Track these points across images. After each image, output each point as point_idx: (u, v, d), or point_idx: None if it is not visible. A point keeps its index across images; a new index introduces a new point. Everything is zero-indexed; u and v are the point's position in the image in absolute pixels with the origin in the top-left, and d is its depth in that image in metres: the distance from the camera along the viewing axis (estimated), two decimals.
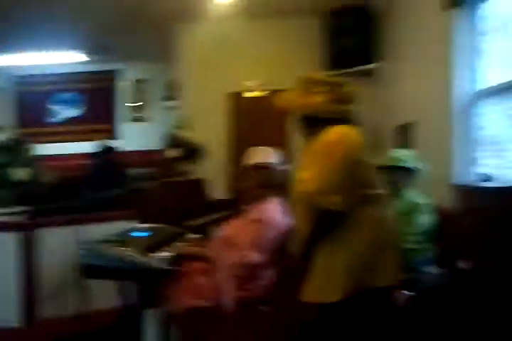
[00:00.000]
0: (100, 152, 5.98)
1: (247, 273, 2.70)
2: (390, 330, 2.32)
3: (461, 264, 2.88)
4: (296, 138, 6.15)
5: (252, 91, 6.87)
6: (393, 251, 2.25)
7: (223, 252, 2.75)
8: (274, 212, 2.83)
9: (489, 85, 3.47)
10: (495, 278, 2.48)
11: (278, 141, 6.27)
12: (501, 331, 2.38)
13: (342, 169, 2.12)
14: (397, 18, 5.29)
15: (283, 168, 2.96)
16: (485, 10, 3.56)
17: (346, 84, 2.33)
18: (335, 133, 2.20)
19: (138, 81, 9.21)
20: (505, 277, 2.39)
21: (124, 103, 9.23)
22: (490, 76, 3.48)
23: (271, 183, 2.89)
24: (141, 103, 9.24)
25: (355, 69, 6.05)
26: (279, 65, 6.56)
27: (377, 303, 2.20)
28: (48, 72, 9.01)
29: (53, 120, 9.25)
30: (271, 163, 2.90)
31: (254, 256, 2.68)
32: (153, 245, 2.84)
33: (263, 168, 2.88)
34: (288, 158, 3.04)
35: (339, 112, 2.29)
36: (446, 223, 3.28)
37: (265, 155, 2.94)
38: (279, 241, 2.81)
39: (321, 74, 2.50)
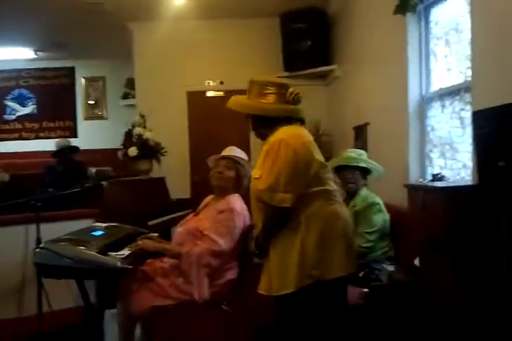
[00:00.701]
0: (61, 150, 5.88)
1: (217, 262, 2.73)
2: (344, 325, 2.40)
3: (416, 262, 2.97)
4: (255, 137, 6.24)
5: (211, 90, 6.89)
6: (346, 244, 2.33)
7: (189, 244, 2.79)
8: (239, 203, 2.91)
9: (440, 87, 3.59)
10: (442, 276, 2.58)
11: (238, 140, 6.33)
12: (454, 326, 2.48)
13: (291, 167, 2.22)
14: (352, 21, 5.40)
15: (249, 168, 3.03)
16: (436, 15, 3.68)
17: (291, 86, 2.45)
18: (284, 133, 2.31)
19: (96, 78, 9.07)
20: (451, 274, 2.49)
21: (82, 100, 9.08)
22: (441, 79, 3.61)
23: (243, 180, 2.97)
24: (99, 101, 9.10)
25: (311, 71, 6.17)
26: (237, 65, 6.62)
27: (330, 294, 2.29)
28: (1, 68, 8.79)
29: (8, 117, 9.01)
30: (246, 162, 3.02)
31: (223, 244, 2.73)
32: (111, 244, 2.83)
33: (240, 163, 2.98)
34: (248, 157, 3.11)
35: (288, 111, 2.39)
36: (400, 222, 3.38)
37: (242, 154, 3.05)
38: (242, 233, 2.87)
39: (269, 77, 2.58)
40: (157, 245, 2.89)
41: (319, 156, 2.38)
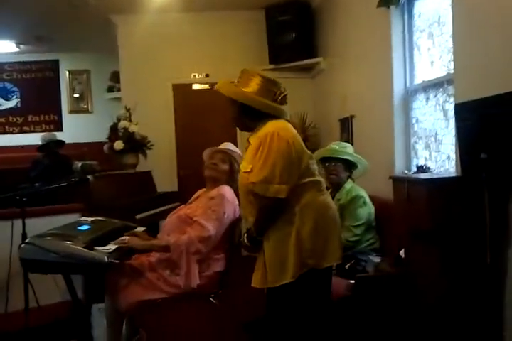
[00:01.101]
0: (46, 145, 5.84)
1: (206, 248, 2.76)
2: (330, 314, 2.43)
3: (402, 253, 3.01)
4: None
5: (197, 83, 6.87)
6: (337, 233, 2.39)
7: (177, 233, 2.82)
8: (230, 192, 2.95)
9: (424, 80, 3.62)
10: (427, 267, 2.62)
11: (225, 133, 6.33)
12: (440, 317, 2.52)
13: (285, 159, 2.23)
14: (336, 14, 5.40)
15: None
16: (419, 8, 3.70)
17: (278, 80, 2.45)
18: (272, 126, 2.32)
19: (80, 71, 8.99)
20: (436, 265, 2.53)
21: (67, 94, 9.00)
22: (424, 71, 3.63)
23: (235, 174, 2.97)
24: (84, 94, 9.04)
25: (296, 63, 6.16)
26: (223, 57, 6.60)
27: (321, 282, 2.35)
28: None
29: None
30: (241, 158, 3.01)
31: (211, 230, 2.76)
32: (98, 238, 2.82)
33: (235, 158, 3.02)
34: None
35: (273, 109, 2.39)
36: (386, 213, 3.41)
37: (237, 150, 3.12)
38: (232, 222, 2.90)
39: (263, 72, 2.57)
40: (144, 243, 2.87)
41: (306, 149, 2.40)
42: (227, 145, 3.12)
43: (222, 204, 2.85)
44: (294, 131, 2.39)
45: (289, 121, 2.50)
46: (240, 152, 3.10)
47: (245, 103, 2.37)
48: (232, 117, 2.50)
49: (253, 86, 2.38)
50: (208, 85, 6.80)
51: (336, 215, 2.44)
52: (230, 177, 3.01)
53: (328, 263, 2.33)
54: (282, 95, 2.41)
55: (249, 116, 2.42)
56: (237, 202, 2.91)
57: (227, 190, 2.94)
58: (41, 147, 5.91)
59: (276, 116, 2.40)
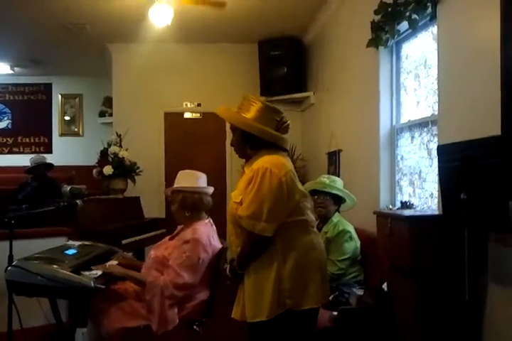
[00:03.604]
0: (35, 167, 5.87)
1: (182, 293, 2.76)
2: None
3: (384, 286, 3.06)
4: (233, 159, 6.35)
5: (188, 112, 6.98)
6: (320, 275, 2.31)
7: (155, 273, 2.82)
8: (206, 232, 2.91)
9: (409, 119, 3.74)
10: (408, 301, 2.67)
11: (214, 162, 6.41)
12: None
13: (275, 197, 2.19)
14: (328, 51, 5.56)
15: (209, 190, 3.05)
16: (407, 50, 3.85)
17: (284, 115, 2.40)
18: (267, 162, 2.26)
19: (73, 95, 9.07)
20: (416, 299, 2.58)
21: (58, 117, 9.05)
22: (410, 111, 3.76)
23: (196, 206, 2.97)
24: (75, 117, 9.09)
25: (287, 96, 6.30)
26: (215, 88, 6.75)
27: (301, 324, 2.28)
28: None
29: None
30: (193, 187, 2.98)
31: (186, 277, 2.75)
32: (84, 263, 2.85)
33: (182, 191, 2.97)
34: (224, 179, 3.15)
35: (276, 138, 2.35)
36: (370, 247, 3.46)
37: (189, 179, 3.02)
38: (211, 261, 2.89)
39: (264, 100, 2.46)
40: (123, 271, 2.90)
41: (301, 186, 2.37)
42: (178, 178, 3.03)
43: (196, 251, 2.80)
44: (290, 167, 2.32)
45: (287, 151, 2.49)
46: (197, 178, 3.01)
47: (245, 130, 2.32)
48: (232, 144, 2.46)
49: (253, 112, 2.33)
50: (199, 114, 6.93)
51: (322, 257, 2.37)
52: (191, 213, 2.96)
53: (308, 306, 2.24)
54: (285, 125, 2.37)
55: (249, 143, 2.36)
56: (212, 239, 2.92)
57: (201, 233, 2.89)
58: (30, 169, 5.94)
59: (277, 145, 2.36)
